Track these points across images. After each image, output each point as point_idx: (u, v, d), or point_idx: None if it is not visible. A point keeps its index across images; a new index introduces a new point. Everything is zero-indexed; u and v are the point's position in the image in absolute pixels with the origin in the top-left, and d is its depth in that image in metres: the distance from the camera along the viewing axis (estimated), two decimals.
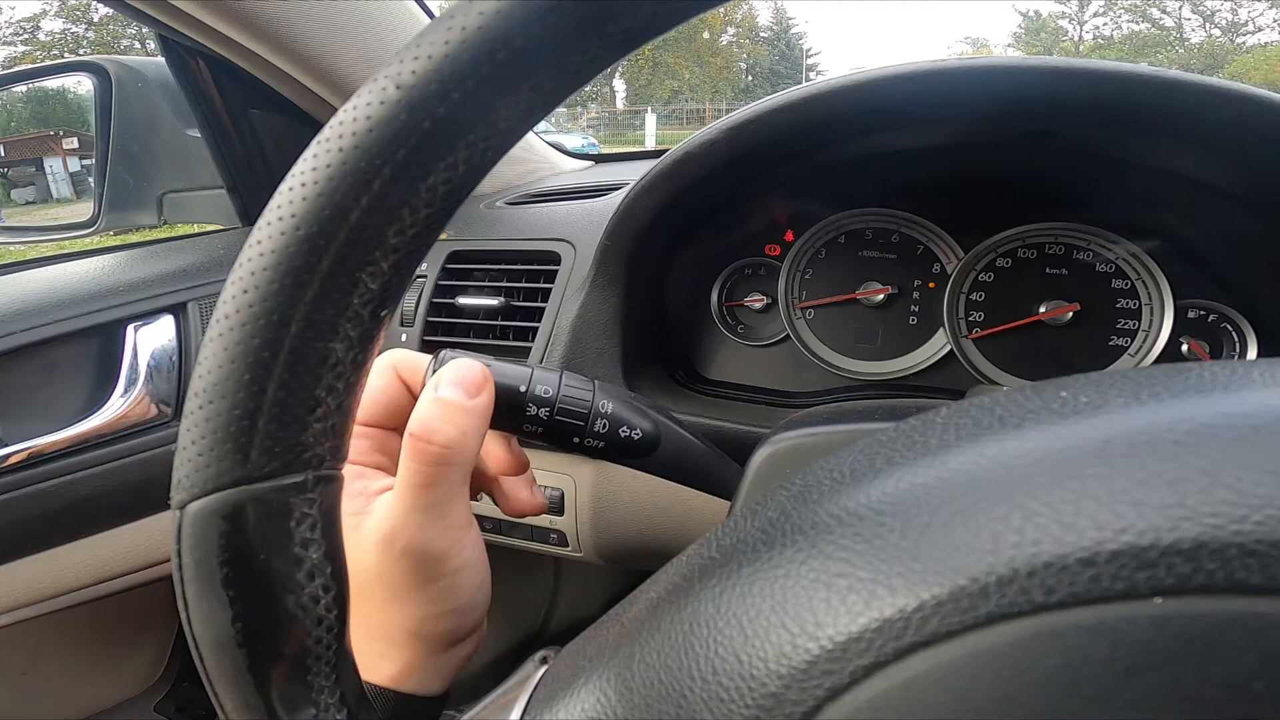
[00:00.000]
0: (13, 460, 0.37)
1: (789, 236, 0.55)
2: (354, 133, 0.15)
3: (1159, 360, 0.47)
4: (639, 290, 0.50)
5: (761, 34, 34.60)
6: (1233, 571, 0.11)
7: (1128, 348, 0.48)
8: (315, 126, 0.54)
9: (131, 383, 0.40)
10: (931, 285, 0.52)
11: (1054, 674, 0.11)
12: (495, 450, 0.31)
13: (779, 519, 0.16)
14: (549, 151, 0.77)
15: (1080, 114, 0.39)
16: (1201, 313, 0.47)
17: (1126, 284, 0.48)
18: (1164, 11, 29.52)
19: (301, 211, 0.16)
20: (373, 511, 0.25)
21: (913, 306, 0.53)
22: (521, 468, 0.31)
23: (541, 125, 0.60)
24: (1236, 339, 0.47)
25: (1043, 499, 0.12)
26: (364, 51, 0.50)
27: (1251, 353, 0.46)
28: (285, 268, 0.16)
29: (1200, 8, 28.70)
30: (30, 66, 0.74)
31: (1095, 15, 31.49)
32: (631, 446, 0.32)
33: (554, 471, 0.54)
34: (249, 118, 0.54)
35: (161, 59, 0.62)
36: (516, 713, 0.19)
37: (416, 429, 0.23)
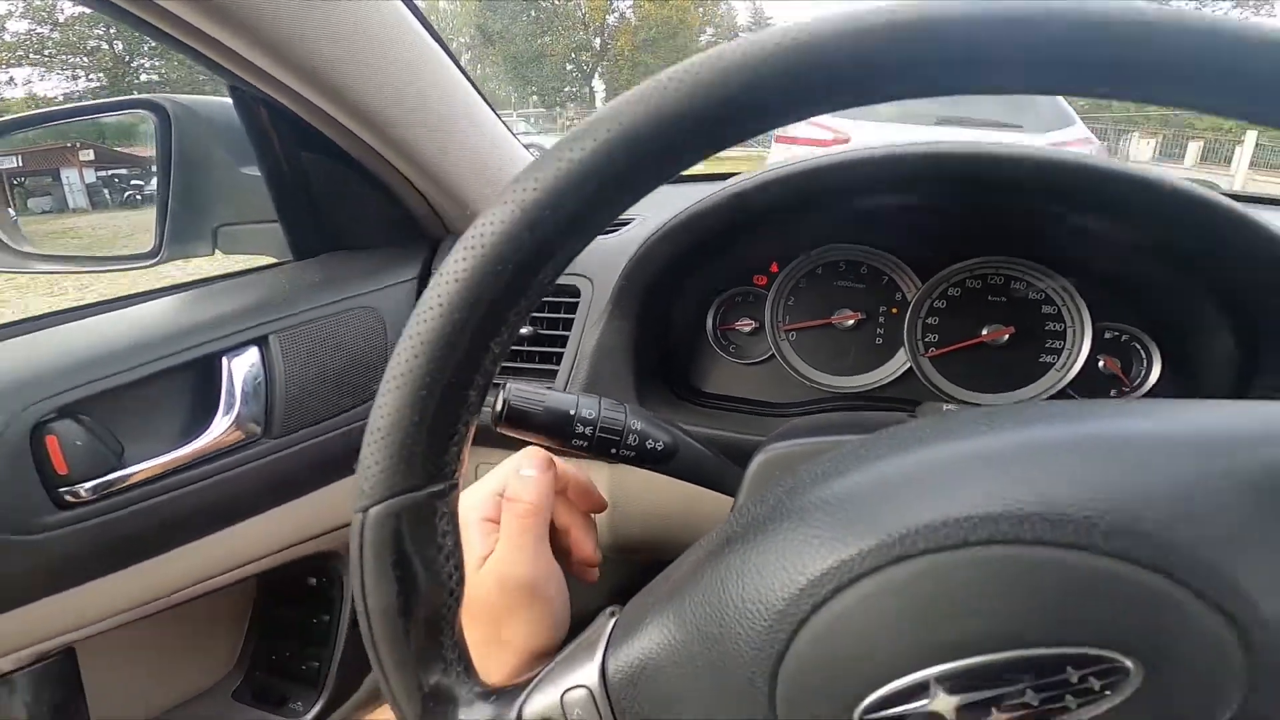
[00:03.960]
0: (134, 479, 0.45)
1: (774, 269, 0.64)
2: (483, 243, 0.23)
3: (1080, 374, 0.57)
4: (648, 321, 0.59)
5: (740, 33, 34.78)
6: (1020, 533, 0.20)
7: (1054, 364, 0.57)
8: (355, 167, 0.62)
9: (229, 407, 0.48)
10: (895, 311, 0.61)
11: (932, 589, 0.21)
12: (583, 488, 0.40)
13: (777, 505, 0.25)
14: None
15: (1008, 189, 0.49)
16: (1115, 334, 0.57)
17: (1054, 310, 0.58)
18: None
19: (451, 298, 0.24)
20: (490, 557, 0.35)
21: (879, 329, 0.62)
22: (600, 506, 0.42)
23: (521, 127, 0.68)
24: (1144, 355, 0.56)
25: (928, 490, 0.22)
26: (398, 95, 0.57)
27: (1156, 367, 0.56)
28: (442, 340, 0.24)
29: (1164, 2, 29.34)
30: (92, 102, 0.80)
31: None
32: (656, 455, 0.41)
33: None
34: (300, 159, 0.61)
35: (208, 98, 0.69)
36: (599, 652, 0.28)
37: (510, 495, 0.35)
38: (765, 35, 0.20)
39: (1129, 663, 0.21)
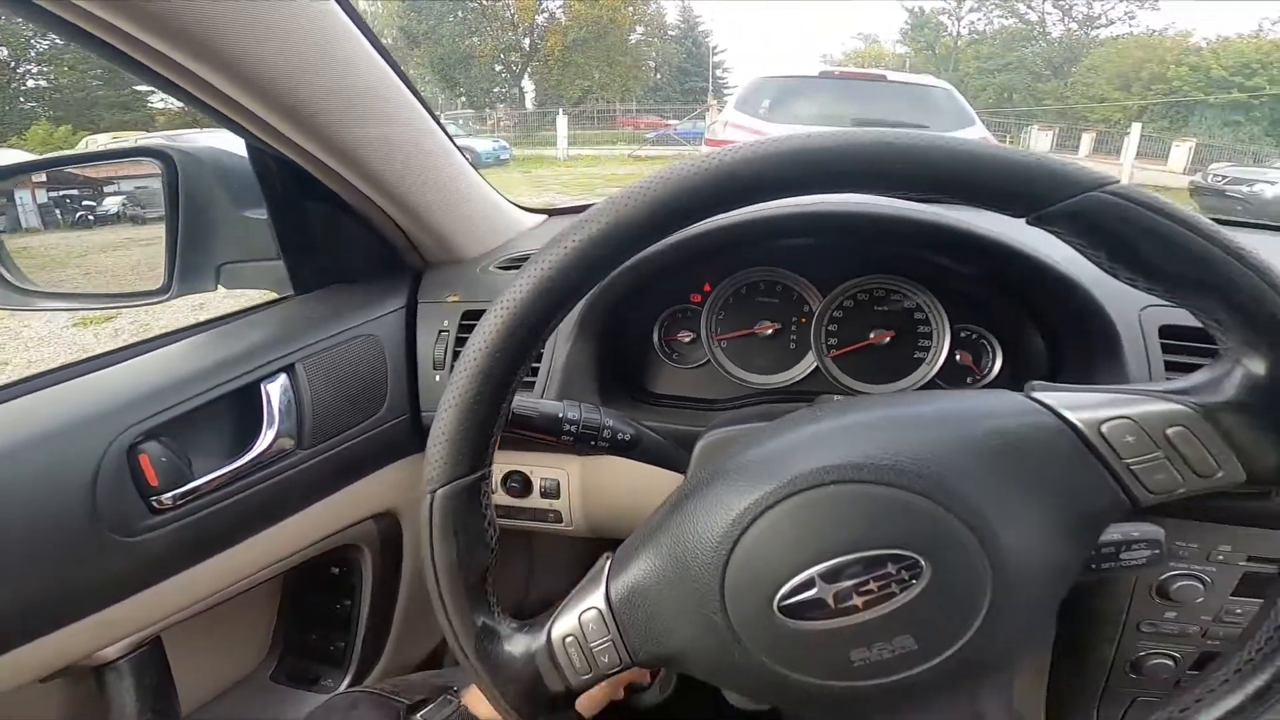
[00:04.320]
0: (204, 488, 0.53)
1: (707, 288, 0.78)
2: (513, 303, 0.36)
3: (943, 366, 0.73)
4: (607, 338, 0.72)
5: (670, 32, 35.19)
6: (858, 476, 0.35)
7: (925, 359, 0.74)
8: (346, 208, 0.71)
9: (270, 425, 0.57)
10: (803, 320, 0.76)
11: (809, 514, 0.35)
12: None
13: (715, 470, 0.38)
14: (515, 211, 0.94)
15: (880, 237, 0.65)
16: (969, 334, 0.73)
17: (923, 317, 0.74)
18: (1029, 6, 32.06)
19: (491, 344, 0.36)
20: None
21: (792, 336, 0.77)
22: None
23: (451, 130, 0.78)
24: (990, 351, 0.73)
25: (805, 452, 0.36)
26: (384, 145, 0.65)
27: (998, 360, 0.73)
28: (485, 374, 0.37)
29: (1060, 2, 31.15)
30: (97, 150, 0.84)
31: (970, 10, 33.87)
32: (624, 444, 0.54)
33: (552, 467, 0.75)
34: (302, 203, 0.69)
35: (206, 143, 0.76)
36: (603, 582, 0.40)
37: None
38: (692, 164, 0.34)
39: (922, 560, 0.34)
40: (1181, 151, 14.48)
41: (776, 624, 0.35)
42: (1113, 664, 0.71)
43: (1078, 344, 0.65)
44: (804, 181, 0.33)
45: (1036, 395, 0.36)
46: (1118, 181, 0.32)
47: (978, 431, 0.35)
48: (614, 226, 0.34)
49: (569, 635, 0.39)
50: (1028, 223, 0.34)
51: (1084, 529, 0.36)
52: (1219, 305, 0.32)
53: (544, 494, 0.76)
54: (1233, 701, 0.37)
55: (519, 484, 0.76)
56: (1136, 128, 12.76)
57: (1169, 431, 0.33)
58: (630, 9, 29.71)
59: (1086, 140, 17.72)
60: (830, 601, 0.34)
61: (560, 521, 0.79)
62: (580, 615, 0.39)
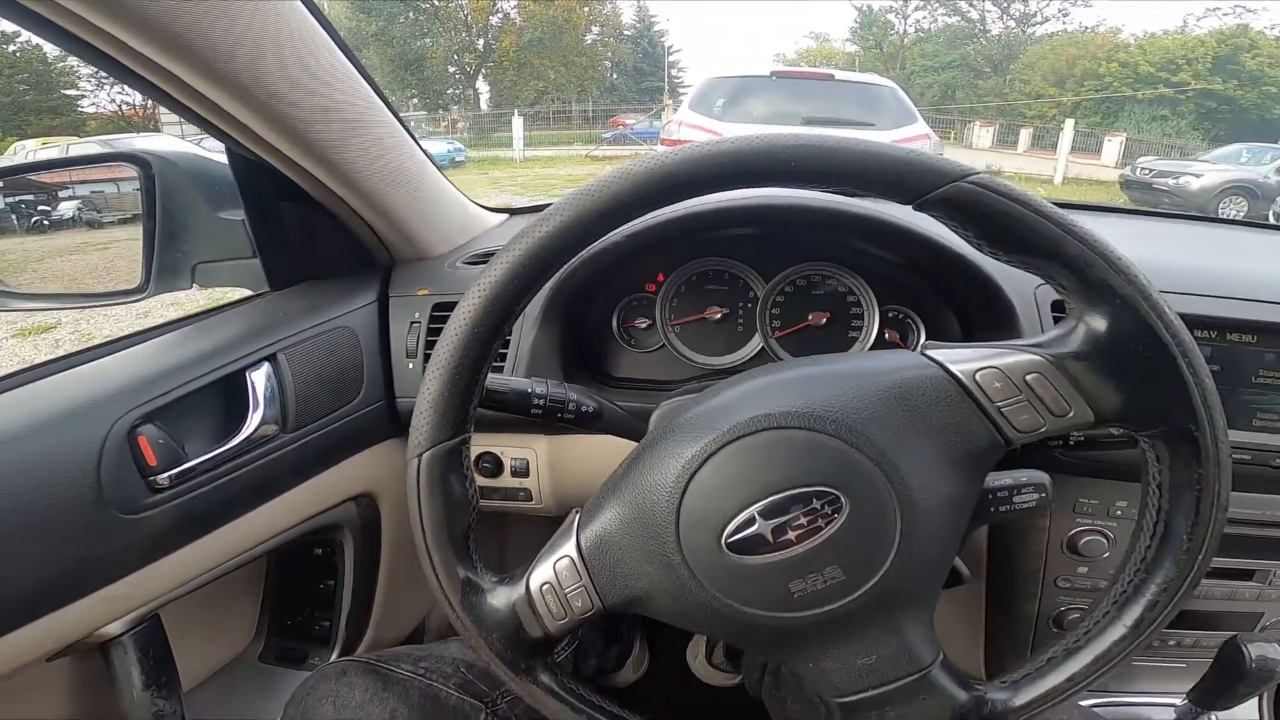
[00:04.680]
0: (198, 468, 0.57)
1: (661, 278, 0.84)
2: (488, 285, 0.41)
3: (874, 343, 0.81)
4: (569, 324, 0.78)
5: (625, 32, 35.25)
6: (785, 423, 0.41)
7: (858, 337, 0.81)
8: (319, 209, 0.76)
9: (256, 409, 0.61)
10: (750, 305, 0.83)
11: (746, 458, 0.41)
12: None
13: (666, 427, 0.44)
14: (478, 210, 0.98)
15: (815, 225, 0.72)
16: (895, 313, 0.81)
17: (855, 299, 0.82)
18: (970, 4, 33.15)
19: (469, 320, 0.42)
20: None
21: (739, 320, 0.84)
22: None
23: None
24: (914, 327, 0.82)
25: (741, 406, 0.42)
26: (360, 148, 0.69)
27: (922, 335, 0.81)
28: (469, 344, 0.42)
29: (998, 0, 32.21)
30: (75, 155, 0.86)
31: (916, 9, 34.85)
32: (588, 417, 0.60)
33: (520, 446, 0.81)
34: (278, 204, 0.73)
35: (185, 149, 0.79)
36: (574, 533, 0.44)
37: None
38: (641, 163, 0.40)
39: (841, 495, 0.40)
40: (1114, 146, 15.22)
41: (726, 560, 0.40)
42: (1037, 620, 0.78)
43: (983, 319, 0.73)
44: (734, 178, 0.40)
45: (927, 352, 0.43)
46: (980, 172, 0.39)
47: (880, 383, 0.42)
48: (576, 218, 0.40)
49: (545, 583, 0.43)
50: (914, 209, 0.41)
51: (971, 464, 0.42)
52: (1060, 272, 0.40)
53: (514, 473, 0.82)
54: (1116, 633, 0.43)
55: (491, 464, 0.81)
56: (1070, 123, 13.36)
57: (1028, 378, 0.40)
58: (586, 9, 29.62)
59: (1025, 136, 18.46)
60: (769, 536, 0.39)
61: (530, 500, 0.84)
62: (555, 564, 0.43)
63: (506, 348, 0.77)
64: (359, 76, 0.67)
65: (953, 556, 0.44)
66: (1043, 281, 0.70)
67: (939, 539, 0.41)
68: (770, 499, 0.40)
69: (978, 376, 0.41)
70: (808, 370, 0.44)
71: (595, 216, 0.40)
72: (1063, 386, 0.40)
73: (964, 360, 0.42)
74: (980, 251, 0.42)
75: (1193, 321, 0.69)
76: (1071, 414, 0.40)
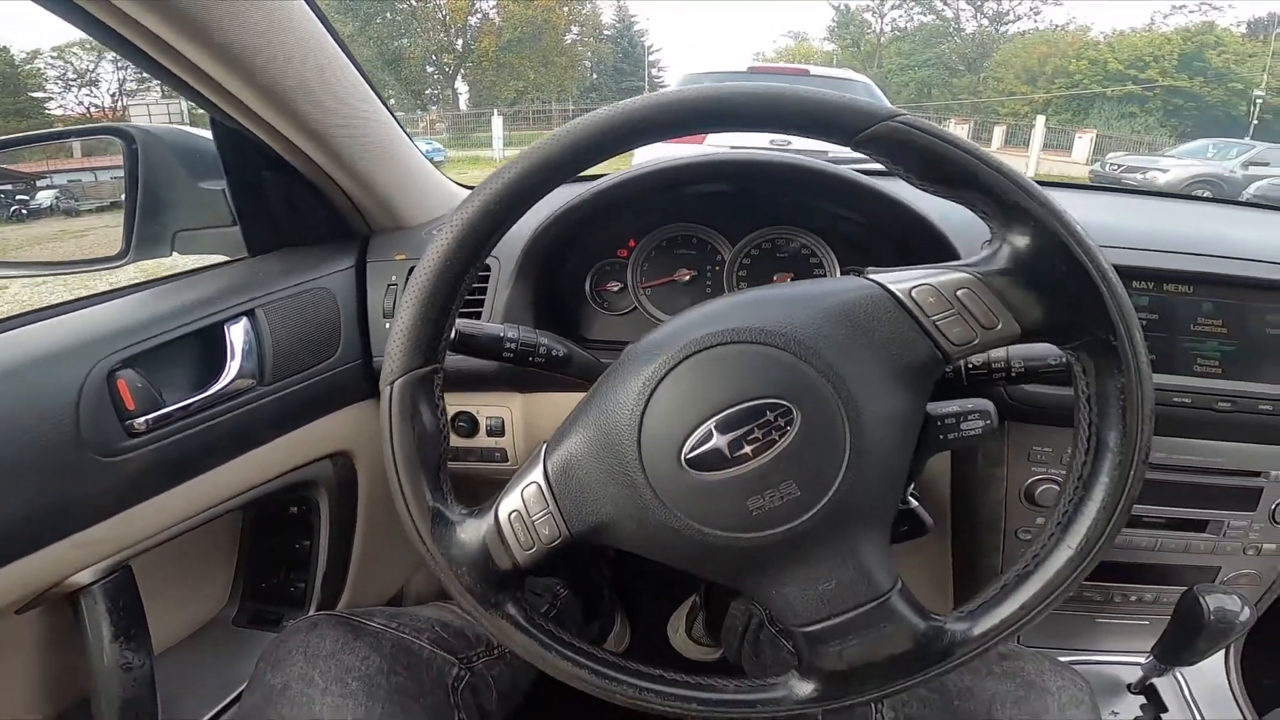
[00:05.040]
0: (175, 414, 0.58)
1: (631, 243, 0.87)
2: (462, 221, 0.43)
3: None
4: (542, 286, 0.80)
5: (605, 32, 35.21)
6: (739, 338, 0.43)
7: None
8: (299, 178, 0.78)
9: (233, 359, 0.62)
10: (717, 268, 0.86)
11: (702, 372, 0.43)
12: None
13: (627, 355, 0.46)
14: (453, 185, 1.00)
15: (774, 180, 0.75)
16: (852, 271, 0.84)
17: (817, 260, 0.84)
18: (945, 3, 33.61)
19: (442, 253, 0.43)
20: None
21: (707, 282, 0.86)
22: None
23: None
24: None
25: (696, 326, 0.44)
26: (337, 113, 0.71)
27: None
28: (437, 278, 0.44)
29: None
30: (61, 129, 0.86)
31: (892, 8, 35.26)
32: (558, 361, 0.62)
33: (495, 405, 0.83)
34: (259, 174, 0.75)
35: (170, 125, 0.81)
36: (541, 460, 0.44)
37: None
38: (603, 112, 0.42)
39: (794, 408, 0.42)
40: (1084, 143, 15.55)
41: (686, 478, 0.41)
42: (1001, 573, 0.82)
43: None
44: (686, 124, 0.42)
45: (869, 275, 0.46)
46: (906, 114, 0.42)
47: (827, 303, 0.45)
48: (543, 160, 0.42)
49: (514, 511, 0.44)
50: (852, 149, 0.43)
51: (913, 378, 0.44)
52: (980, 199, 0.43)
53: (490, 432, 0.84)
54: (1063, 556, 0.45)
55: (466, 424, 0.83)
56: (1041, 120, 13.65)
57: (959, 293, 0.44)
58: (566, 9, 29.57)
59: (998, 133, 18.80)
60: (726, 451, 0.41)
61: (506, 460, 0.86)
62: (523, 492, 0.44)
63: (482, 306, 0.79)
64: (339, 49, 0.69)
65: (903, 476, 0.46)
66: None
67: (888, 455, 0.43)
68: (726, 412, 0.41)
69: (913, 293, 0.44)
70: (760, 293, 0.47)
71: (561, 159, 0.42)
72: (990, 300, 0.43)
73: (901, 280, 0.45)
74: (912, 185, 0.45)
75: (1130, 272, 0.73)
76: (1000, 326, 0.44)
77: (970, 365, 0.59)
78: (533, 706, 0.74)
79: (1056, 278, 0.43)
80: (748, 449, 0.41)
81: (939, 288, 0.44)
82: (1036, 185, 0.43)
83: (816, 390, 0.42)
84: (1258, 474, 0.76)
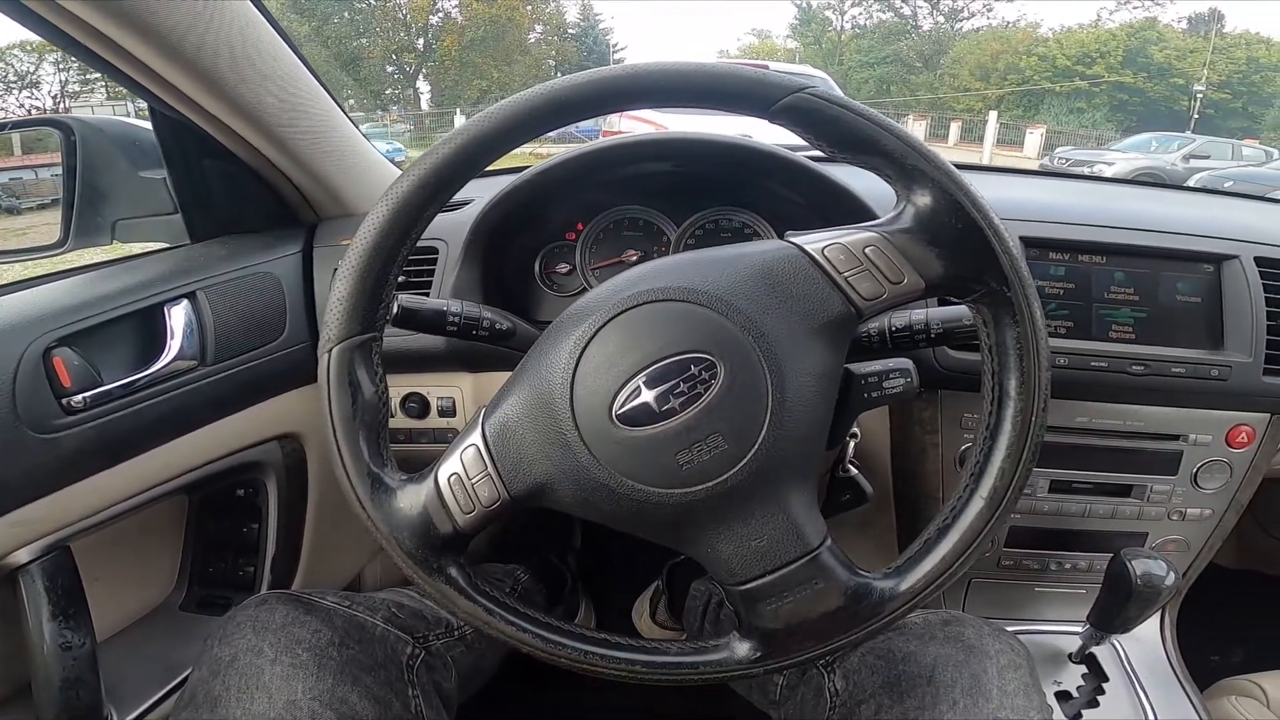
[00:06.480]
0: (114, 392, 0.58)
1: (580, 226, 0.88)
2: (400, 192, 0.44)
3: None
4: (489, 267, 0.81)
5: (569, 30, 35.06)
6: (665, 296, 0.45)
7: None
8: (244, 167, 0.78)
9: (173, 338, 0.63)
10: (663, 248, 0.88)
11: (631, 328, 0.45)
12: None
13: (561, 318, 0.47)
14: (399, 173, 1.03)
15: (713, 159, 0.77)
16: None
17: (758, 236, 0.88)
18: (904, 1, 34.26)
19: (382, 220, 0.44)
20: None
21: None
22: None
23: None
24: None
25: (627, 286, 0.46)
26: (280, 105, 0.72)
27: None
28: (375, 246, 0.45)
29: None
30: (1, 120, 0.85)
31: (852, 5, 35.84)
32: (502, 334, 0.63)
33: (445, 385, 0.84)
34: (202, 164, 0.75)
35: (111, 116, 0.80)
36: (479, 424, 0.45)
37: None
38: (533, 90, 0.44)
39: (718, 362, 0.44)
40: (1035, 138, 16.03)
41: (617, 434, 0.42)
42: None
43: None
44: (609, 101, 0.44)
45: (787, 238, 0.49)
46: (815, 87, 0.45)
47: (748, 264, 0.47)
48: (475, 136, 0.44)
49: (453, 474, 0.44)
50: (769, 121, 0.45)
51: (831, 333, 0.47)
52: (883, 163, 0.46)
53: (441, 413, 0.85)
54: (976, 506, 0.47)
55: (417, 405, 0.84)
56: (993, 116, 14.05)
57: (866, 250, 0.46)
58: (529, 8, 29.35)
59: (955, 129, 19.28)
60: (654, 405, 0.42)
61: None
62: (461, 455, 0.45)
63: (430, 287, 0.80)
64: (282, 42, 0.70)
65: (825, 429, 0.48)
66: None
67: (811, 407, 0.45)
68: (653, 366, 0.43)
69: (825, 251, 0.47)
70: (686, 256, 0.49)
71: (493, 135, 0.44)
72: (895, 256, 0.46)
73: (815, 240, 0.47)
74: (824, 153, 0.48)
75: (1047, 244, 0.77)
76: (905, 281, 0.46)
77: (894, 328, 0.62)
78: (498, 691, 0.74)
79: (953, 234, 0.46)
80: (675, 403, 0.42)
81: (849, 246, 0.47)
82: (933, 150, 0.46)
83: (738, 344, 0.44)
84: (1176, 437, 0.80)
